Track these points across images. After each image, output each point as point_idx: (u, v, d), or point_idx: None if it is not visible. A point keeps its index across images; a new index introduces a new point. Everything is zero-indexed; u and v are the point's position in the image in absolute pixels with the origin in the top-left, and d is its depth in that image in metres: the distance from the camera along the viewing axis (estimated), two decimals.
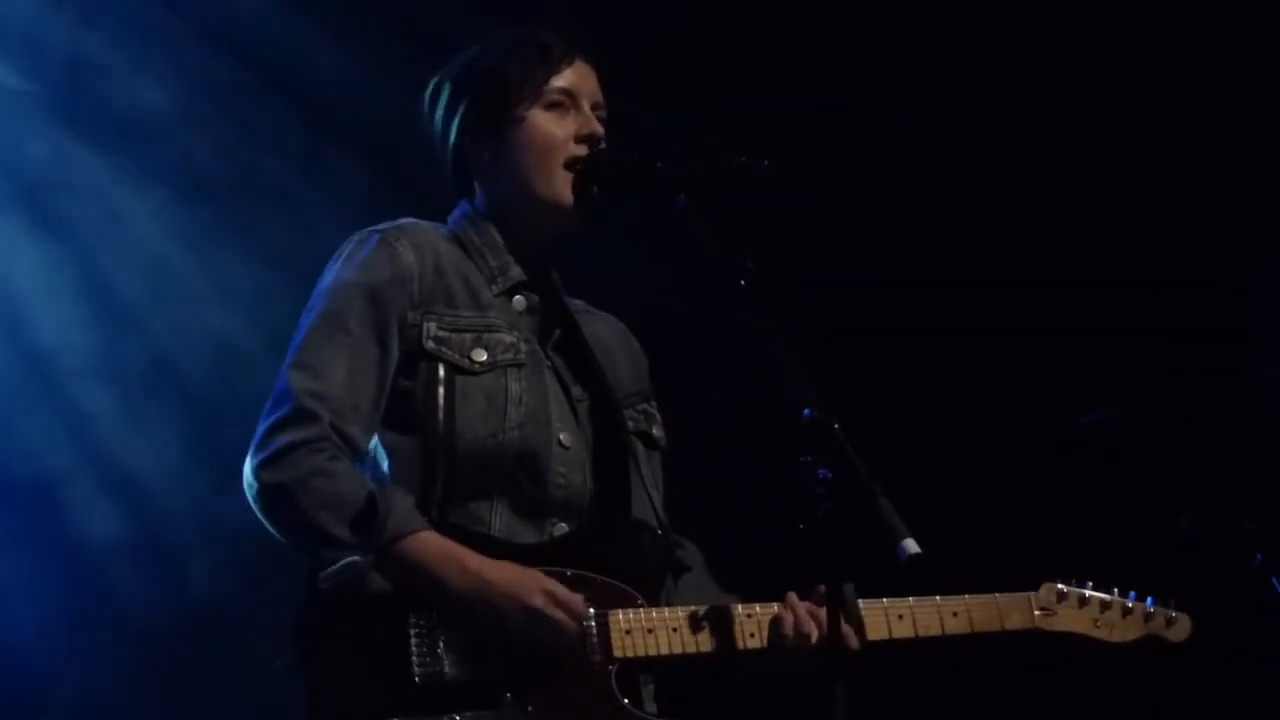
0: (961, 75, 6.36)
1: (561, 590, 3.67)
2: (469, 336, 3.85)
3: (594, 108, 3.98)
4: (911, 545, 3.34)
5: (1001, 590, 4.08)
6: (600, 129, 3.96)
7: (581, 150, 3.93)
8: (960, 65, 6.36)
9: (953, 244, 6.34)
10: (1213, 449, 5.75)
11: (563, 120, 3.95)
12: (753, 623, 3.84)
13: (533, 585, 3.66)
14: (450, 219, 4.04)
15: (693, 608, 3.82)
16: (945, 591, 3.99)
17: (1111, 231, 6.23)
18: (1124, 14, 6.24)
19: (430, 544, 3.66)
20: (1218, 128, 6.12)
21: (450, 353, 3.82)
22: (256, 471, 3.69)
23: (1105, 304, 6.24)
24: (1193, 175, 6.12)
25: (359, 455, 3.76)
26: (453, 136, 4.02)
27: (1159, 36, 6.19)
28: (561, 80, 3.97)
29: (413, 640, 3.62)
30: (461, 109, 3.99)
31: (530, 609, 3.64)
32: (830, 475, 3.39)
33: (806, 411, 3.45)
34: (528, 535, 3.81)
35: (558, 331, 4.02)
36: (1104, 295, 6.25)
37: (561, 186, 3.92)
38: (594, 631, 3.73)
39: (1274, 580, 4.59)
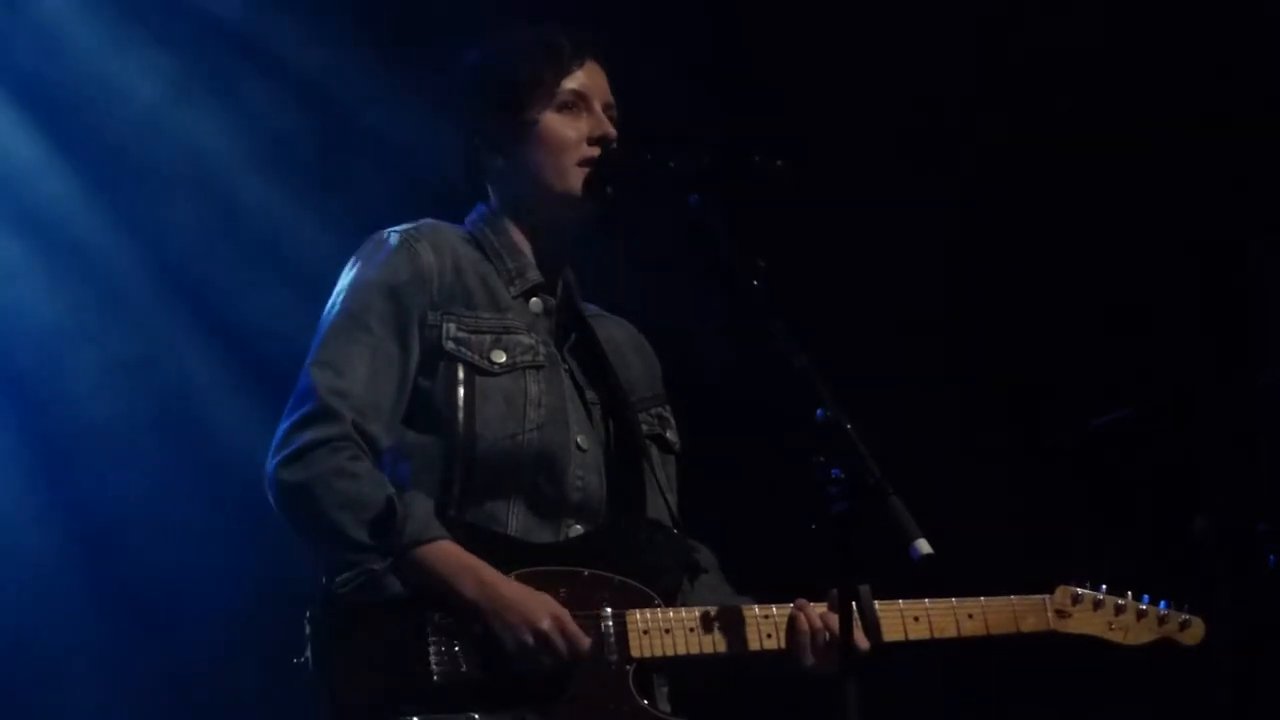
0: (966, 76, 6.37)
1: (570, 622, 3.68)
2: (488, 338, 3.87)
3: (605, 108, 4.01)
4: (924, 546, 3.35)
5: (1017, 593, 4.10)
6: (613, 130, 3.98)
7: (594, 151, 3.95)
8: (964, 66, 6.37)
9: (961, 245, 6.34)
10: (1227, 451, 5.74)
11: (575, 121, 3.98)
12: (769, 624, 3.86)
13: (543, 608, 3.67)
14: (467, 220, 4.07)
15: (709, 608, 3.84)
16: (960, 593, 4.01)
17: (1125, 232, 6.23)
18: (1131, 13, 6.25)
19: (448, 553, 3.68)
20: (1227, 128, 6.11)
21: (470, 353, 3.85)
22: (277, 470, 3.71)
23: (1119, 306, 6.23)
24: (1201, 177, 6.11)
25: (380, 454, 3.78)
26: (466, 140, 4.05)
27: (1167, 36, 6.18)
28: (573, 81, 4.00)
29: (431, 640, 3.65)
30: (473, 113, 4.03)
31: (538, 631, 3.65)
32: (843, 475, 3.41)
33: (819, 411, 3.47)
34: (544, 535, 3.83)
35: (573, 334, 4.04)
36: (1117, 297, 6.24)
37: (576, 181, 3.95)
38: (611, 631, 3.76)
39: None
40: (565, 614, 3.68)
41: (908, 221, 6.20)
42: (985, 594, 4.05)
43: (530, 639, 3.64)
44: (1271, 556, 4.61)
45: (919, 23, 6.25)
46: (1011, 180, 6.31)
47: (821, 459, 3.43)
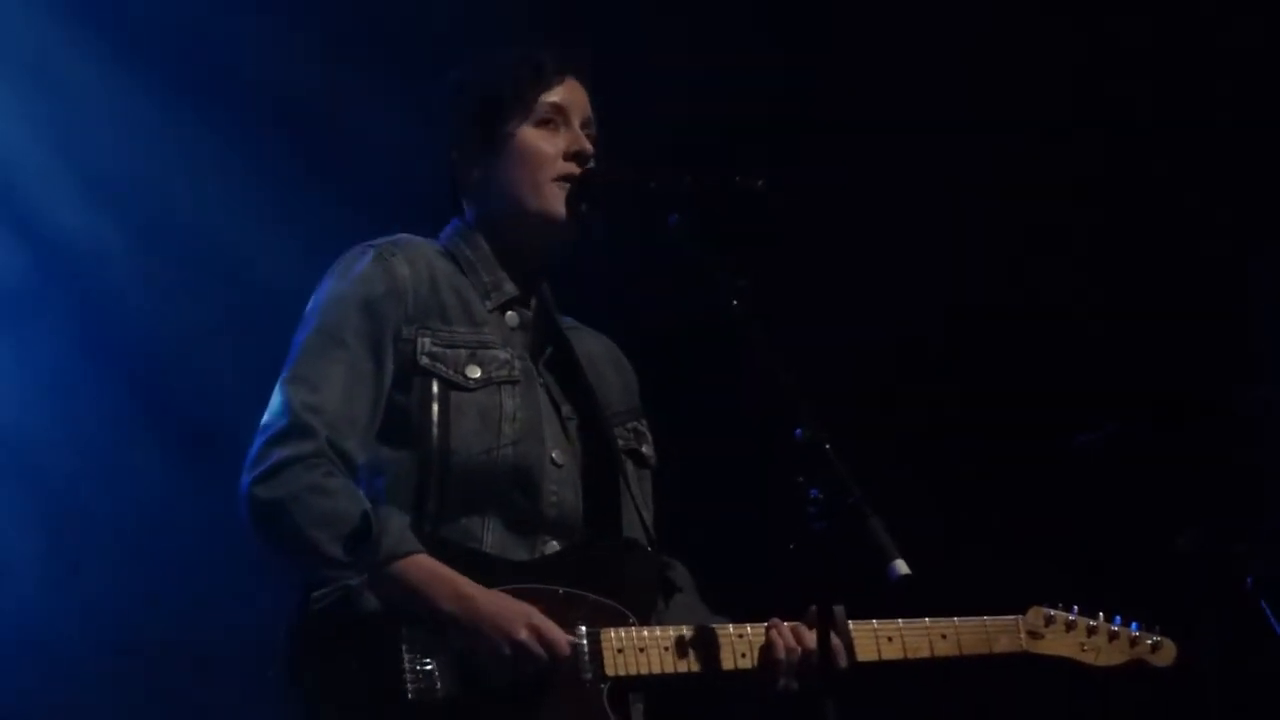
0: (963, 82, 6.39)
1: (548, 626, 3.67)
2: (463, 353, 3.87)
3: (584, 125, 4.01)
4: (902, 566, 3.37)
5: (991, 613, 4.11)
6: (590, 147, 3.98)
7: (571, 168, 3.95)
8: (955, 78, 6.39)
9: (951, 253, 6.36)
10: (1211, 469, 5.77)
11: (553, 137, 3.98)
12: (744, 643, 3.86)
13: (520, 617, 3.66)
14: (442, 234, 4.06)
15: (684, 627, 3.84)
16: (935, 613, 4.02)
17: (1115, 246, 6.26)
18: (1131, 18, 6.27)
19: (424, 567, 3.67)
20: (1225, 140, 6.13)
21: (444, 368, 3.84)
22: (251, 487, 3.69)
23: (1105, 319, 6.25)
24: (1199, 187, 6.13)
25: (354, 470, 3.76)
26: (445, 153, 4.05)
27: (1167, 38, 6.21)
28: (552, 96, 4.00)
29: (405, 658, 3.63)
30: (453, 126, 4.03)
31: (515, 641, 3.64)
32: (821, 495, 3.42)
33: (797, 431, 3.48)
34: (519, 552, 3.83)
35: (549, 348, 4.04)
36: (1104, 310, 6.26)
37: (552, 199, 3.95)
38: (586, 650, 3.75)
39: (1263, 603, 4.61)
40: (543, 621, 3.67)
41: (900, 224, 6.21)
42: (959, 614, 4.06)
43: (508, 650, 3.63)
44: (1250, 577, 4.62)
45: (914, 30, 6.26)
46: (1006, 183, 6.33)
47: (800, 479, 3.44)
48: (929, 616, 4.00)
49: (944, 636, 4.03)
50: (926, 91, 6.26)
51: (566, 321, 4.14)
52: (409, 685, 3.62)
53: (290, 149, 6.10)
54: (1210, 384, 5.99)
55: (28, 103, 6.03)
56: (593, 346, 4.15)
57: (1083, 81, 6.31)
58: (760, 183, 3.82)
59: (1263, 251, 6.24)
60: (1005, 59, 6.30)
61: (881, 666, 3.97)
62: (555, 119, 3.99)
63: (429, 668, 3.64)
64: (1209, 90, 6.17)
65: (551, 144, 3.97)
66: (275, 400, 3.77)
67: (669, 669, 3.79)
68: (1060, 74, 6.32)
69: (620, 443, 4.05)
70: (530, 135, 3.98)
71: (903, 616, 3.96)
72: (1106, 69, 6.28)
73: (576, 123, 4.00)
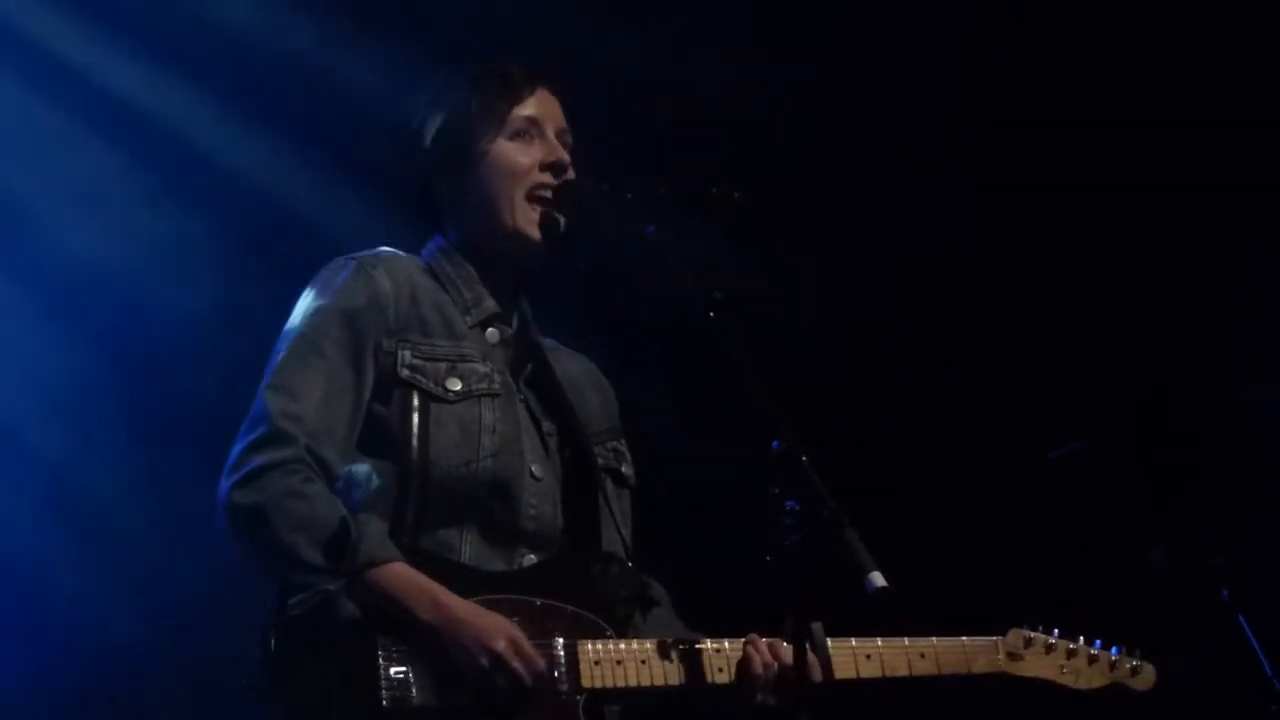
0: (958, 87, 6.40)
1: (525, 642, 3.68)
2: (443, 365, 3.88)
3: (559, 134, 4.04)
4: (878, 578, 3.38)
5: (970, 633, 4.11)
6: (566, 156, 4.01)
7: (547, 179, 3.98)
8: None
9: (928, 250, 6.36)
10: (1186, 482, 5.76)
11: (528, 149, 4.00)
12: (721, 658, 3.86)
13: (498, 630, 3.67)
14: (423, 251, 4.09)
15: (661, 640, 3.84)
16: (913, 632, 4.02)
17: (1115, 246, 6.26)
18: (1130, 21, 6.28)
19: (402, 575, 3.68)
20: (1224, 139, 6.12)
21: (425, 381, 3.86)
22: (230, 492, 3.70)
23: (1105, 320, 6.24)
24: (1199, 186, 6.13)
25: (333, 478, 3.78)
26: (420, 171, 4.07)
27: (1166, 43, 6.23)
28: (525, 109, 4.03)
29: (381, 666, 3.63)
30: (427, 144, 4.04)
31: (492, 652, 3.64)
32: (798, 507, 3.43)
33: (774, 443, 3.49)
34: (497, 564, 3.84)
35: (529, 365, 4.05)
36: (1104, 311, 6.26)
37: (527, 219, 3.97)
38: (563, 661, 3.75)
39: (1240, 616, 4.60)
40: (521, 636, 3.68)
41: (898, 224, 6.22)
42: (938, 633, 4.06)
43: (485, 661, 3.63)
44: (1225, 590, 4.62)
45: (912, 36, 6.28)
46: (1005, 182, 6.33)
47: (777, 491, 3.45)
48: (908, 634, 4.01)
49: (922, 656, 4.04)
50: (922, 89, 6.27)
51: (547, 343, 4.16)
52: (384, 693, 3.62)
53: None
54: (1209, 384, 5.98)
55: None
56: (572, 366, 4.18)
57: (1082, 81, 6.32)
58: (737, 194, 3.83)
59: (1263, 251, 6.24)
60: (1003, 58, 6.31)
61: (859, 684, 3.97)
62: (529, 131, 4.02)
63: (405, 676, 3.64)
64: (1208, 90, 6.17)
65: (527, 155, 4.00)
66: (255, 407, 3.79)
67: (645, 682, 3.80)
68: (1060, 73, 6.32)
69: (600, 461, 4.06)
70: (505, 149, 4.00)
71: (881, 630, 3.96)
72: (1106, 68, 6.28)
73: (551, 133, 4.03)
